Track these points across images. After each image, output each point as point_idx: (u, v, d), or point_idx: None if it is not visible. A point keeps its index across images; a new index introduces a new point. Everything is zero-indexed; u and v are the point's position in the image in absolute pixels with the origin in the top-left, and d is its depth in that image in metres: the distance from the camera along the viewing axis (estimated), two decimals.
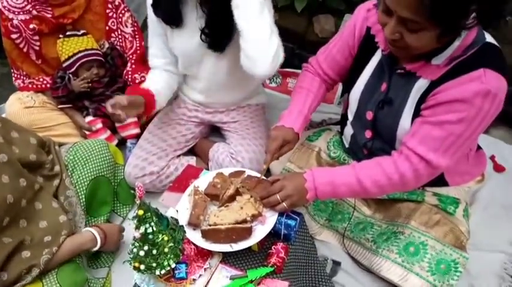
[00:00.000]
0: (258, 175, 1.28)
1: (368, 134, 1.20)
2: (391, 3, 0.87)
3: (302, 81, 1.31)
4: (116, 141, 1.79)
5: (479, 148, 1.27)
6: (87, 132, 1.76)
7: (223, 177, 1.26)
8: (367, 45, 1.14)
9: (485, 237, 1.34)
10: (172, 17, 1.40)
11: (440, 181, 1.15)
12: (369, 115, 1.16)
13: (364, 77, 1.17)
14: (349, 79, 1.23)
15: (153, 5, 1.41)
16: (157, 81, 1.53)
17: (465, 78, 0.92)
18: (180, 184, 1.37)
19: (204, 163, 1.70)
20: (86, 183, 1.41)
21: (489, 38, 0.97)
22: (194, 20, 1.39)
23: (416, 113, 1.03)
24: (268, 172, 1.39)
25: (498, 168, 1.65)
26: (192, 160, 1.68)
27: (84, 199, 1.40)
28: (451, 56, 0.95)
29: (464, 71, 0.93)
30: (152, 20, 1.47)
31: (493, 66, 0.91)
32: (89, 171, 1.42)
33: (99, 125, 1.75)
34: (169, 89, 1.57)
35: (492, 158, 1.67)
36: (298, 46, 2.17)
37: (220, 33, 1.34)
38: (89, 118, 1.76)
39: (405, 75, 1.04)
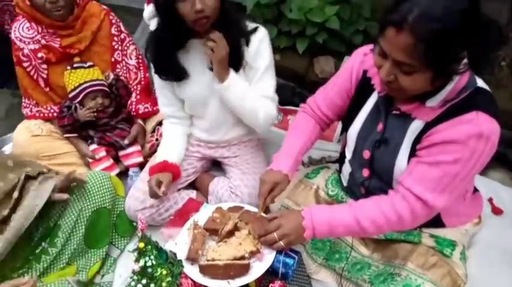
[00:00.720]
0: (257, 210, 1.29)
1: (365, 172, 1.22)
2: (387, 47, 0.91)
3: (297, 122, 1.36)
4: (117, 170, 1.82)
5: (475, 190, 1.29)
6: (90, 160, 1.79)
7: (223, 212, 1.28)
8: (363, 87, 1.19)
9: (484, 282, 1.32)
10: (177, 75, 1.49)
11: (437, 221, 1.17)
12: (366, 154, 1.18)
13: (362, 117, 1.21)
14: (347, 118, 1.27)
15: (157, 72, 1.49)
16: (175, 144, 1.64)
17: (458, 120, 0.96)
18: (180, 218, 1.38)
19: (204, 196, 1.71)
20: (87, 214, 1.42)
21: (481, 83, 1.01)
22: (197, 67, 1.47)
23: (412, 153, 1.06)
24: (266, 209, 1.40)
25: (496, 211, 1.65)
26: (192, 194, 1.69)
27: (83, 231, 1.40)
28: (444, 99, 0.99)
29: (458, 113, 0.96)
30: (156, 79, 1.55)
31: (485, 109, 0.95)
32: (91, 203, 1.43)
33: (103, 154, 1.79)
34: (185, 140, 1.69)
35: (490, 200, 1.68)
36: (299, 85, 2.24)
37: (233, 58, 1.42)
38: (93, 146, 1.80)
39: (401, 116, 1.08)
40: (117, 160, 1.85)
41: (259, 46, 1.44)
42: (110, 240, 1.54)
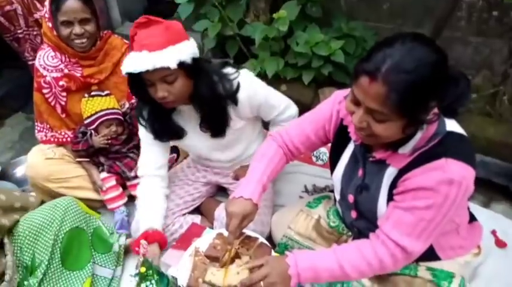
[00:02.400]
0: (258, 236, 1.31)
1: (353, 214, 1.25)
2: (360, 95, 0.94)
3: (266, 149, 1.34)
4: (125, 199, 1.87)
5: (473, 219, 1.29)
6: (99, 189, 1.84)
7: (224, 238, 1.29)
8: (341, 134, 1.22)
9: None
10: (177, 135, 1.55)
11: (431, 255, 1.17)
12: (351, 198, 1.22)
13: (343, 163, 1.24)
14: (331, 163, 1.30)
15: (156, 138, 1.53)
16: (157, 207, 1.54)
17: (428, 167, 0.98)
18: (183, 243, 1.41)
19: (209, 222, 1.74)
20: (60, 237, 1.40)
21: (453, 126, 1.04)
22: (193, 123, 1.53)
23: (390, 198, 1.08)
24: (270, 240, 1.42)
25: (500, 243, 1.64)
26: (197, 219, 1.73)
27: (59, 255, 1.39)
28: (415, 147, 1.02)
29: (427, 160, 0.99)
30: (145, 136, 1.56)
31: (455, 155, 0.97)
32: (64, 226, 1.42)
33: (112, 183, 1.85)
34: (165, 200, 1.60)
35: (493, 233, 1.67)
36: None
37: (218, 121, 1.49)
38: (104, 175, 1.86)
39: (377, 162, 1.11)
40: (124, 187, 1.90)
41: (249, 94, 1.45)
42: (92, 261, 1.51)
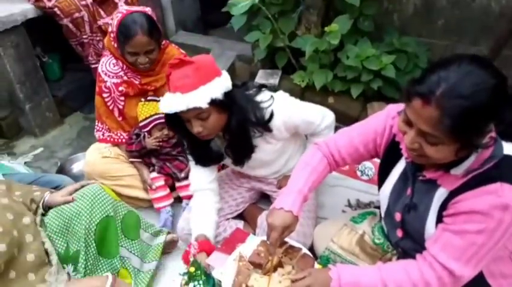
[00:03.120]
0: (300, 246, 1.32)
1: (399, 233, 1.22)
2: (412, 116, 0.92)
3: (310, 159, 1.32)
4: (172, 200, 1.94)
5: None
6: (148, 187, 1.93)
7: (267, 246, 1.30)
8: (393, 149, 1.19)
9: None
10: (216, 160, 1.61)
11: (481, 282, 1.12)
12: (398, 217, 1.19)
13: (392, 180, 1.21)
14: (379, 178, 1.28)
15: (198, 163, 1.60)
16: (209, 221, 1.56)
17: (482, 190, 0.95)
18: (227, 246, 1.45)
19: (251, 228, 1.78)
20: (93, 229, 1.45)
21: (510, 150, 0.99)
22: None
23: (440, 219, 1.05)
24: (312, 252, 1.43)
25: None
26: (240, 224, 1.77)
27: (95, 243, 1.45)
28: (468, 168, 0.99)
29: (481, 183, 0.96)
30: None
31: (511, 180, 0.93)
32: (95, 216, 1.46)
33: (161, 183, 1.93)
34: (216, 215, 1.62)
35: None
36: None
37: (241, 152, 1.55)
38: (153, 175, 1.95)
39: (427, 182, 1.07)
40: (173, 188, 1.98)
41: (283, 120, 1.48)
42: (120, 244, 1.56)
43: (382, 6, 2.38)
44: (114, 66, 1.90)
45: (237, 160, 1.59)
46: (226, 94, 1.37)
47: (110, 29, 1.81)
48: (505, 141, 1.00)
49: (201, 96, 1.30)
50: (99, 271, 1.48)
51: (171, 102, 1.33)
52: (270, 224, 1.19)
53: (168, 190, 1.95)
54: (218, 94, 1.33)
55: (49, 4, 2.46)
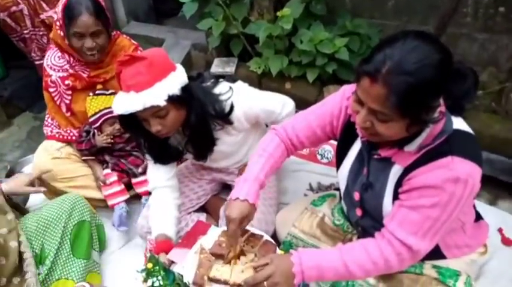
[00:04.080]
0: (263, 234, 1.32)
1: (358, 212, 1.24)
2: (362, 95, 0.94)
3: (267, 145, 1.30)
4: (127, 196, 1.87)
5: (479, 218, 1.28)
6: (101, 184, 1.85)
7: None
8: (349, 130, 1.21)
9: None
10: (175, 156, 1.57)
11: (437, 254, 1.17)
12: (356, 196, 1.21)
13: (349, 160, 1.23)
14: (337, 159, 1.29)
15: (156, 162, 1.55)
16: (169, 218, 1.52)
17: (434, 165, 0.98)
18: (188, 241, 1.42)
19: (214, 220, 1.75)
20: (70, 228, 1.51)
21: (459, 125, 1.03)
22: None
23: (396, 196, 1.08)
24: (275, 238, 1.42)
25: (506, 241, 1.63)
26: (202, 216, 1.74)
27: (69, 242, 1.50)
28: (421, 144, 1.01)
29: (433, 158, 0.98)
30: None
31: (461, 153, 0.96)
32: (73, 218, 1.53)
33: (114, 179, 1.86)
34: (177, 211, 1.58)
35: (500, 230, 1.66)
36: None
37: (203, 147, 1.52)
38: (106, 171, 1.87)
39: (382, 160, 1.09)
40: (129, 187, 1.91)
41: (244, 111, 1.46)
42: (93, 248, 1.63)
43: None
44: (60, 59, 1.80)
45: (199, 155, 1.55)
46: (183, 89, 1.31)
47: (55, 18, 1.71)
48: (454, 116, 1.03)
49: (157, 94, 1.24)
50: (70, 270, 1.48)
51: (125, 103, 1.26)
52: (227, 216, 1.17)
53: (122, 186, 1.87)
54: (175, 90, 1.28)
55: None
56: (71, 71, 1.79)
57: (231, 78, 1.56)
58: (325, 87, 2.27)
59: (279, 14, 2.12)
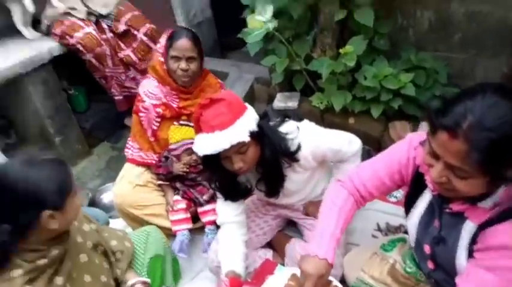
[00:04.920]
0: (332, 279, 1.32)
1: (430, 265, 1.20)
2: (439, 149, 0.90)
3: (336, 197, 1.27)
4: (190, 225, 1.98)
5: None
6: (170, 209, 1.98)
7: (297, 280, 1.29)
8: (418, 180, 1.16)
9: None
10: (244, 194, 1.63)
11: None
12: (427, 249, 1.17)
13: (419, 210, 1.19)
14: (406, 209, 1.25)
15: (226, 199, 1.61)
16: (236, 254, 1.56)
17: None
18: (257, 280, 1.47)
19: (280, 257, 1.78)
20: (146, 262, 1.57)
21: None
22: (253, 179, 1.59)
23: (470, 253, 1.03)
24: (343, 283, 1.43)
25: None
26: (268, 253, 1.78)
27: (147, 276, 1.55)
28: (496, 201, 0.97)
29: (511, 217, 0.94)
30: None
31: None
32: (148, 252, 1.59)
33: (182, 206, 1.98)
34: (244, 247, 1.61)
35: None
36: (374, 149, 2.27)
37: (275, 184, 1.55)
38: (176, 197, 1.99)
39: (454, 215, 1.05)
40: (195, 219, 2.01)
41: (311, 150, 1.49)
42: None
43: (396, 24, 2.38)
44: (155, 89, 1.99)
45: (272, 192, 1.59)
46: (258, 126, 1.40)
47: (158, 46, 1.97)
48: None
49: (240, 131, 1.32)
50: None
51: (211, 142, 1.33)
52: (304, 272, 1.15)
53: (188, 214, 1.97)
54: (254, 126, 1.37)
55: (72, 41, 2.58)
56: (163, 100, 1.98)
57: (296, 114, 1.61)
58: (391, 123, 2.25)
59: (341, 51, 2.15)
